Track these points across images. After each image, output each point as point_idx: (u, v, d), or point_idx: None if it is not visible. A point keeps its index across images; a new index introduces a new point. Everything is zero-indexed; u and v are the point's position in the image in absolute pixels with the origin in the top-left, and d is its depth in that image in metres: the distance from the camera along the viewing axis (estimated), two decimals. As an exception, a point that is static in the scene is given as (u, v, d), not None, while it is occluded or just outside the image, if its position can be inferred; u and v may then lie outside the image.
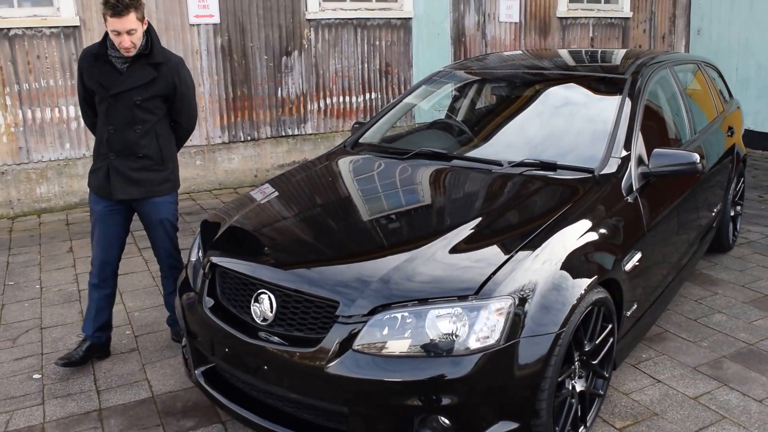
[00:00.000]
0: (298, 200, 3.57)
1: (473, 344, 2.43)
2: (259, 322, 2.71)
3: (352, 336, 2.48)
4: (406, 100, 4.61)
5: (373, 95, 8.28)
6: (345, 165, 3.90)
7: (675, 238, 3.84)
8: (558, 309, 2.62)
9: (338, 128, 8.15)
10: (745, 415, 3.18)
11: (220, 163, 7.37)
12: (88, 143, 6.65)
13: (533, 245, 2.75)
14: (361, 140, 4.23)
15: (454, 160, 3.69)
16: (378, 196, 3.45)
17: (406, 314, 2.48)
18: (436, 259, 2.69)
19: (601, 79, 4.16)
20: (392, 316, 2.49)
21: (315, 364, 2.50)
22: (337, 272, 2.69)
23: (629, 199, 3.33)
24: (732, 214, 5.29)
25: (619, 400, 3.32)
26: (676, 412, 3.22)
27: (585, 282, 2.77)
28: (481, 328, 2.45)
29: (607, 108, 3.76)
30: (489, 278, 2.55)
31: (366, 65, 8.13)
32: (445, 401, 2.42)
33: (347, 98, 8.11)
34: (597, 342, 2.93)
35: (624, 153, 3.43)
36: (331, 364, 2.47)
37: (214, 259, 2.99)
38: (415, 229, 3.06)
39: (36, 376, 3.60)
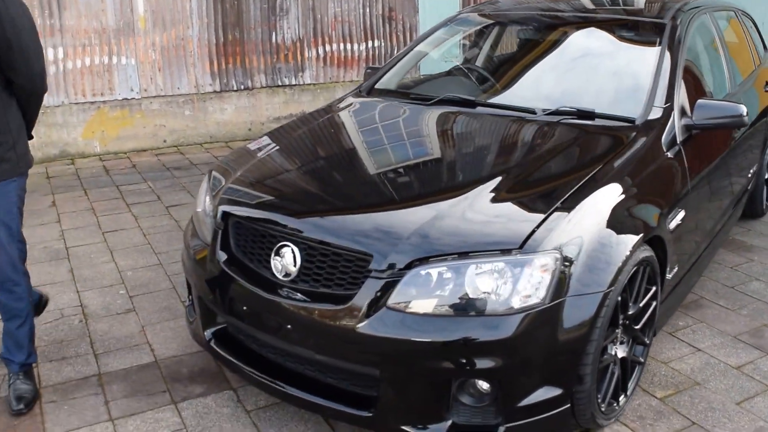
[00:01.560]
0: (319, 145, 3.46)
1: (517, 303, 2.37)
2: (280, 277, 2.62)
3: (387, 292, 2.41)
4: (421, 46, 4.46)
5: (376, 43, 8.09)
6: (367, 110, 3.78)
7: (714, 198, 3.78)
8: (605, 267, 2.56)
9: (339, 78, 7.98)
10: (792, 385, 3.18)
11: (212, 114, 7.20)
12: (66, 90, 6.46)
13: (577, 199, 2.67)
14: (377, 86, 4.11)
15: (481, 107, 3.59)
16: (405, 143, 3.34)
17: (444, 269, 2.41)
18: (474, 211, 2.61)
19: (637, 23, 4.05)
20: (430, 271, 2.41)
21: (345, 323, 2.43)
22: (370, 224, 2.59)
23: (673, 152, 3.25)
24: (766, 177, 5.25)
25: (658, 369, 3.29)
26: (718, 381, 3.21)
27: (632, 239, 2.71)
28: (525, 286, 2.38)
29: (647, 54, 3.65)
30: (533, 232, 2.47)
31: (368, 10, 7.92)
32: (486, 364, 2.36)
33: (348, 46, 7.91)
34: (640, 305, 2.89)
35: (666, 103, 3.35)
36: (363, 323, 2.40)
37: (228, 209, 2.88)
38: (448, 178, 2.97)
39: (26, 338, 3.52)
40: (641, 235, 2.75)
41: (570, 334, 2.45)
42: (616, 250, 2.62)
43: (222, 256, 2.82)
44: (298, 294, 2.56)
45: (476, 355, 2.36)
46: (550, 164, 2.98)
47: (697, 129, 3.38)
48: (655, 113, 3.31)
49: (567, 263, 2.47)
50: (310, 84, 7.75)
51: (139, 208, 5.38)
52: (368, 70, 4.47)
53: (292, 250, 2.60)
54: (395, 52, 8.21)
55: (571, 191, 2.70)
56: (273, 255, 2.64)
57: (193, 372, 3.24)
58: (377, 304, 2.41)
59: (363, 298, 2.42)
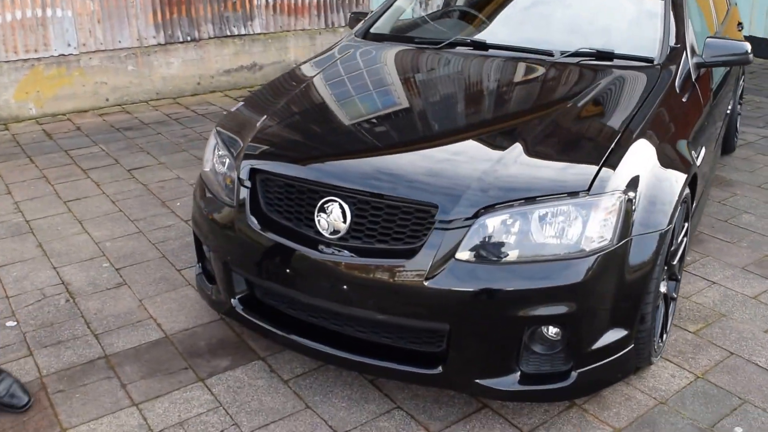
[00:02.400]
0: (343, 92, 3.18)
1: (587, 246, 2.26)
2: (327, 235, 2.41)
3: (454, 244, 2.24)
4: None
5: (327, -11, 7.71)
6: (379, 55, 3.52)
7: (713, 135, 3.80)
8: (662, 206, 2.49)
9: (290, 27, 7.57)
10: (811, 310, 3.25)
11: (157, 69, 6.68)
12: (5, 44, 5.82)
13: (629, 138, 2.56)
14: (373, 30, 3.85)
15: (494, 50, 3.41)
16: (436, 88, 3.10)
17: (512, 216, 2.26)
18: (534, 154, 2.45)
19: None
20: (497, 218, 2.25)
21: (412, 279, 2.25)
22: (430, 173, 2.39)
23: (689, 90, 3.20)
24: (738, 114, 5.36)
25: (682, 305, 3.29)
26: (741, 312, 3.24)
27: (681, 177, 2.65)
28: (594, 228, 2.27)
29: None
30: (597, 173, 2.36)
31: (316, -46, 7.51)
32: (559, 310, 2.25)
33: (297, -8, 7.50)
34: (678, 241, 2.86)
35: (677, 43, 3.29)
36: (432, 278, 2.23)
37: (257, 165, 2.61)
38: (495, 122, 2.77)
39: (10, 323, 3.14)
40: (687, 172, 2.70)
41: (635, 274, 2.37)
42: (670, 189, 2.55)
43: (253, 217, 2.57)
44: (350, 252, 2.36)
45: (549, 302, 2.24)
46: (593, 105, 2.84)
47: (707, 67, 3.35)
48: (672, 53, 3.25)
49: (630, 203, 2.37)
50: (260, 34, 7.32)
51: (98, 173, 4.94)
52: (353, 15, 4.21)
53: (340, 205, 2.38)
54: (345, -1, 7.87)
55: (623, 131, 2.59)
56: (317, 212, 2.42)
57: (211, 344, 2.99)
58: (446, 256, 2.24)
59: (429, 250, 2.24)
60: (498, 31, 3.74)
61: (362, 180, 2.39)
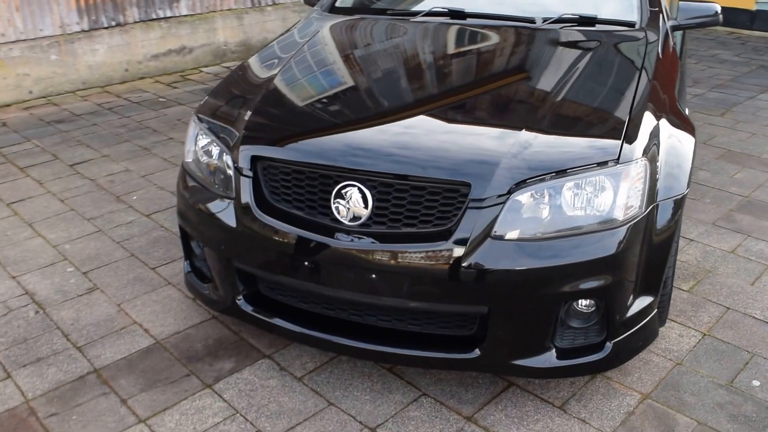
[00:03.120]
0: (336, 69, 2.92)
1: (620, 215, 2.17)
2: (346, 222, 2.21)
3: (489, 222, 2.10)
4: None
5: (252, -33, 7.31)
6: (358, 29, 3.30)
7: (686, 95, 3.82)
8: (681, 169, 2.43)
9: (217, 7, 7.14)
10: (786, 260, 3.33)
11: (82, 57, 6.14)
12: None
13: (642, 103, 2.48)
14: (338, 4, 3.61)
15: (473, 18, 3.24)
16: (439, 61, 2.90)
17: (545, 189, 2.14)
18: (557, 127, 2.33)
19: None
20: (531, 193, 2.13)
21: (449, 262, 2.09)
22: (453, 149, 2.22)
23: (670, 53, 3.17)
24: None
25: (669, 264, 3.31)
26: (725, 266, 3.28)
27: (692, 140, 2.60)
28: (625, 197, 2.18)
29: None
30: (623, 142, 2.26)
31: (241, -71, 7.09)
32: (596, 283, 2.15)
33: (223, -29, 7.07)
34: None
35: (654, 7, 3.24)
36: (469, 259, 2.09)
37: (259, 151, 2.36)
38: (508, 96, 2.61)
39: (-25, 342, 2.78)
40: (694, 135, 2.66)
41: (660, 239, 2.31)
42: (684, 153, 2.49)
43: (258, 208, 2.33)
44: (374, 239, 2.17)
45: (587, 275, 2.14)
46: (599, 71, 2.73)
47: (681, 29, 3.33)
48: (651, 15, 3.19)
49: (654, 170, 2.30)
50: (187, 15, 6.85)
51: (37, 170, 4.48)
52: None
53: (360, 189, 2.18)
54: (271, -25, 7.50)
55: (635, 96, 2.50)
56: (333, 198, 2.22)
57: (209, 346, 2.74)
58: (481, 235, 2.10)
59: (464, 231, 2.09)
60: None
61: (383, 161, 2.19)
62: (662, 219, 2.31)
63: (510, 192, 2.11)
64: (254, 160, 2.36)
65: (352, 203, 2.18)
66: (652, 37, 3.01)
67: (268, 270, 2.35)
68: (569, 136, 2.32)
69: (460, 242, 2.09)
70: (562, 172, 2.16)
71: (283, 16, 7.73)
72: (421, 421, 2.34)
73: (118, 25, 6.32)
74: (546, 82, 2.60)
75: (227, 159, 2.46)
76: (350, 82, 2.77)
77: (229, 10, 7.26)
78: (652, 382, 2.51)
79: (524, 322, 2.19)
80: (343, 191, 2.20)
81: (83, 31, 6.10)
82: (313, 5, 3.98)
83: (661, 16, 3.23)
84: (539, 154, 2.20)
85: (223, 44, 7.30)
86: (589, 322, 2.26)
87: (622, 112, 2.41)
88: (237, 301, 2.50)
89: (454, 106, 2.53)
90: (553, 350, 2.24)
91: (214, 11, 7.13)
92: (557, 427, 2.31)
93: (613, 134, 2.29)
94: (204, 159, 2.60)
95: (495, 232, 2.10)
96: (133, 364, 2.64)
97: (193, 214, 2.55)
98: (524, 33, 3.08)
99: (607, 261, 2.15)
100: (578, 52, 2.84)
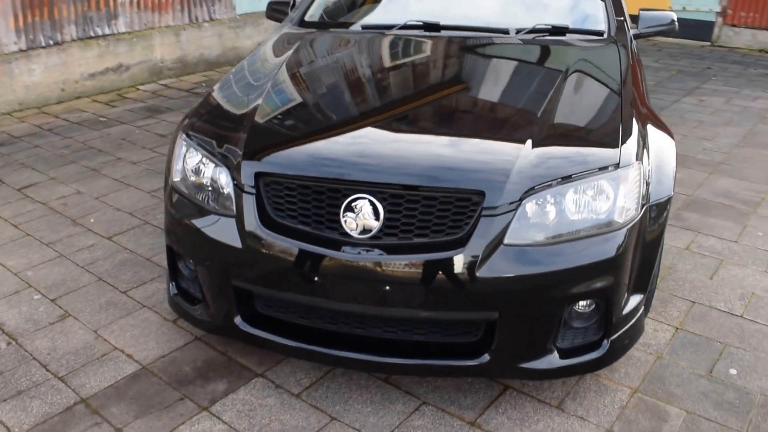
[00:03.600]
0: (329, 84, 2.90)
1: (620, 218, 2.25)
2: (356, 235, 2.18)
3: (502, 229, 2.14)
4: None
5: (190, -18, 7.16)
6: (337, 44, 3.30)
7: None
8: (667, 172, 2.55)
9: (155, 24, 6.94)
10: (735, 254, 3.53)
11: (19, 77, 5.82)
12: None
13: (628, 109, 2.59)
14: (307, 18, 3.58)
15: (447, 31, 3.27)
16: (432, 74, 2.93)
17: (552, 195, 2.19)
18: (557, 136, 2.41)
19: None
20: (539, 200, 2.18)
21: (464, 270, 2.11)
22: (463, 158, 2.24)
23: (636, 60, 3.31)
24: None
25: (632, 264, 3.45)
26: (683, 263, 3.44)
27: (672, 143, 2.73)
28: (624, 200, 2.26)
29: None
30: (620, 148, 2.35)
31: (178, -55, 6.94)
32: (599, 283, 2.22)
33: (161, -13, 6.90)
34: None
35: (619, 16, 3.40)
36: (483, 266, 2.11)
37: (263, 168, 2.31)
38: (507, 106, 2.67)
39: (-57, 379, 2.57)
40: (673, 138, 2.78)
41: (650, 239, 2.41)
42: (667, 156, 2.61)
43: (263, 225, 2.27)
44: (385, 250, 2.16)
45: (593, 276, 2.21)
46: (583, 78, 2.84)
47: (642, 37, 3.49)
48: (618, 25, 3.34)
49: (647, 174, 2.40)
50: (125, 33, 6.63)
51: (-19, 195, 4.22)
52: (273, 5, 3.91)
53: (371, 202, 2.17)
54: (209, -9, 7.37)
55: (621, 103, 2.61)
56: (342, 212, 2.19)
57: (198, 368, 2.64)
58: (493, 242, 2.13)
59: (480, 239, 2.12)
60: (432, 11, 3.59)
61: (394, 173, 2.19)
62: (653, 220, 2.41)
63: (521, 199, 2.16)
64: (257, 176, 2.31)
65: (363, 216, 2.16)
66: (621, 45, 3.14)
67: (273, 287, 2.30)
68: (571, 142, 2.40)
69: (475, 250, 2.11)
70: (567, 178, 2.22)
71: (220, 32, 7.60)
72: (426, 429, 2.34)
73: (56, 43, 6.05)
74: (541, 91, 2.68)
75: (223, 176, 2.40)
76: (346, 95, 2.76)
77: (167, 27, 7.08)
78: (639, 376, 2.60)
79: (531, 325, 2.24)
80: (353, 204, 2.18)
81: (21, 50, 5.80)
82: (275, 20, 3.94)
83: (625, 25, 3.39)
84: (546, 161, 2.26)
85: (160, 61, 7.10)
86: (589, 322, 2.33)
87: (615, 119, 2.50)
88: (234, 320, 2.42)
89: (456, 117, 2.57)
90: (555, 351, 2.29)
91: (152, 28, 6.94)
92: (558, 425, 2.36)
93: (610, 140, 2.37)
94: (193, 177, 2.53)
95: (507, 238, 2.14)
96: (121, 391, 2.51)
97: (186, 233, 2.47)
98: (508, 45, 3.15)
99: (610, 262, 2.22)
100: (563, 61, 2.92)
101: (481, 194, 2.15)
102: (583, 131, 2.48)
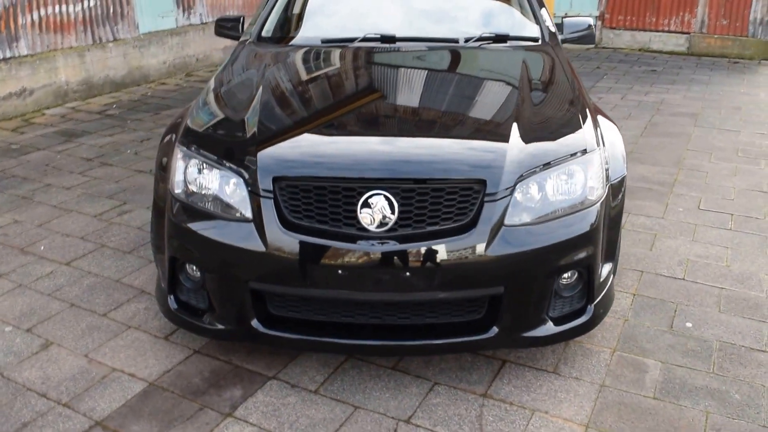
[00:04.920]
0: (320, 92, 3.06)
1: (592, 196, 2.54)
2: (373, 229, 2.33)
3: (501, 212, 2.36)
4: None
5: (92, 2, 6.93)
6: (305, 57, 3.45)
7: None
8: (619, 154, 2.89)
9: (58, 46, 6.66)
10: (665, 229, 3.97)
11: None
12: None
13: (580, 102, 2.91)
14: (263, 34, 3.66)
15: (402, 42, 3.47)
16: (412, 79, 3.13)
17: (537, 180, 2.45)
18: (533, 128, 2.65)
19: None
20: (528, 184, 2.43)
21: (473, 252, 2.32)
22: (462, 151, 2.48)
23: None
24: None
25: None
26: (623, 240, 3.78)
27: (616, 128, 3.08)
28: (593, 180, 2.56)
29: None
30: (584, 136, 2.65)
31: (77, -36, 6.71)
32: (582, 254, 2.50)
33: (64, 8, 6.63)
34: None
35: (547, 23, 3.75)
36: (491, 247, 2.33)
37: (280, 172, 2.40)
38: (488, 103, 2.90)
39: (-66, 421, 2.43)
40: (617, 126, 3.14)
41: (614, 213, 2.73)
42: (616, 140, 2.96)
43: (283, 227, 2.36)
44: (402, 241, 2.32)
45: (576, 248, 2.48)
46: (540, 78, 3.13)
47: (567, 42, 3.86)
48: (549, 32, 3.69)
49: (605, 157, 2.72)
50: (27, 56, 6.33)
51: None
52: (222, 22, 3.96)
53: (386, 197, 2.32)
54: (112, 10, 7.16)
55: (573, 96, 2.93)
56: (359, 208, 2.33)
57: (207, 379, 2.66)
58: (496, 225, 2.35)
59: (485, 223, 2.34)
60: (377, 23, 3.77)
61: (404, 168, 2.37)
62: (614, 197, 2.73)
63: (515, 184, 2.39)
64: (274, 181, 2.40)
65: (379, 210, 2.31)
66: (558, 48, 3.48)
67: (298, 285, 2.39)
68: (545, 134, 2.66)
69: (483, 232, 2.33)
70: (546, 165, 2.48)
71: (124, 52, 7.41)
72: (445, 405, 2.51)
73: (-47, 68, 5.68)
74: (511, 90, 2.94)
75: (233, 183, 2.46)
76: (343, 102, 2.91)
77: (70, 48, 6.82)
78: (614, 338, 2.91)
79: (530, 297, 2.47)
80: (369, 201, 2.32)
81: None
82: (225, 36, 3.99)
83: (555, 32, 3.74)
84: (529, 151, 2.51)
85: (65, 84, 6.83)
86: (575, 291, 2.60)
87: (575, 111, 2.81)
88: (251, 323, 2.48)
89: (447, 117, 2.78)
90: (549, 320, 2.54)
91: (55, 50, 6.67)
92: (558, 387, 2.61)
93: (576, 129, 2.67)
94: (196, 187, 2.57)
95: (506, 220, 2.36)
96: (136, 409, 2.49)
97: (197, 242, 2.50)
98: (473, 53, 3.42)
99: (588, 235, 2.50)
100: (517, 64, 3.21)
101: (483, 183, 2.37)
102: (553, 123, 2.77)
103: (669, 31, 9.16)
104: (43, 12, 6.43)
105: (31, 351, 2.84)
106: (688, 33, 9.07)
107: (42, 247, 3.76)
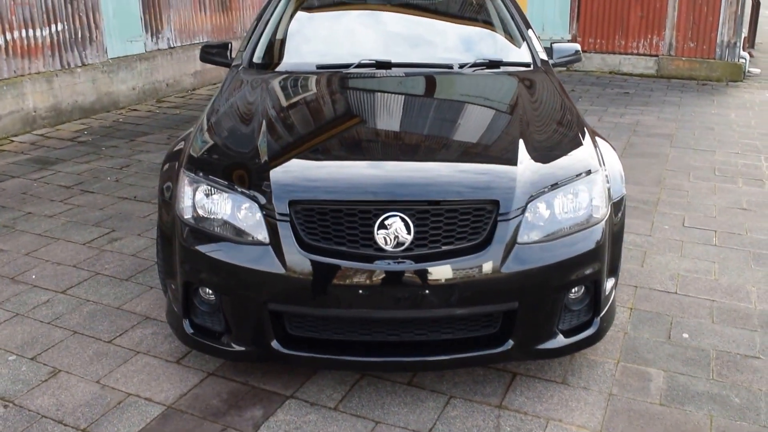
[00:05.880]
0: (329, 112, 3.30)
1: (597, 214, 2.78)
2: (390, 249, 2.51)
3: (514, 231, 2.57)
4: (275, 15, 4.21)
5: (60, 26, 7.03)
6: (307, 82, 3.64)
7: None
8: (618, 174, 3.13)
9: (25, 71, 6.74)
10: (654, 246, 4.25)
11: None
12: None
13: (580, 124, 3.17)
14: (255, 60, 3.85)
15: (397, 68, 3.69)
16: (418, 103, 3.38)
17: (546, 200, 2.67)
18: (538, 149, 2.88)
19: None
20: (537, 204, 2.64)
21: (490, 269, 2.52)
22: (475, 174, 2.69)
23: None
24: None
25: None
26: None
27: (611, 149, 3.33)
28: (598, 199, 2.79)
29: (500, 11, 4.24)
30: (588, 157, 2.90)
31: (47, -12, 6.82)
32: (590, 269, 2.73)
33: (31, 32, 6.72)
34: None
35: (538, 49, 4.03)
36: (505, 264, 2.53)
37: (298, 196, 2.57)
38: (496, 126, 3.14)
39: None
40: (614, 147, 3.40)
41: (616, 230, 2.96)
42: (614, 161, 3.20)
43: (302, 249, 2.53)
44: (418, 260, 2.51)
45: (585, 264, 2.70)
46: (539, 101, 3.38)
47: (557, 66, 4.15)
48: (539, 57, 3.96)
49: (607, 178, 2.96)
50: (-5, 81, 6.39)
51: None
52: (207, 48, 4.14)
53: (402, 218, 2.51)
54: (80, 35, 7.27)
55: (571, 118, 3.20)
56: (377, 229, 2.51)
57: (226, 400, 2.78)
58: (509, 243, 2.56)
59: (500, 241, 2.54)
60: (378, 50, 3.99)
61: (418, 190, 2.57)
62: (616, 215, 2.98)
63: (527, 204, 2.62)
64: (289, 204, 2.57)
65: (396, 231, 2.49)
66: (550, 73, 3.76)
67: (318, 305, 2.55)
68: (552, 155, 2.90)
69: (497, 250, 2.53)
70: (555, 185, 2.72)
71: (93, 77, 7.51)
72: (463, 417, 2.69)
73: None
74: (514, 113, 3.18)
75: (246, 208, 2.63)
76: (352, 126, 3.11)
77: (38, 73, 6.90)
78: (616, 349, 3.14)
79: (542, 311, 2.68)
80: (386, 222, 2.51)
81: None
82: (211, 62, 4.16)
83: (546, 57, 4.02)
84: (538, 172, 2.74)
85: (33, 110, 6.89)
86: (582, 304, 2.82)
87: (577, 132, 3.07)
88: (271, 344, 2.63)
89: (457, 140, 3.01)
90: (560, 333, 2.76)
91: (23, 75, 6.74)
92: (569, 396, 2.82)
93: (580, 150, 2.93)
94: (205, 212, 2.72)
95: (519, 239, 2.58)
96: (158, 431, 2.61)
97: (213, 267, 2.64)
98: (473, 79, 3.65)
99: (595, 251, 2.73)
100: (508, 86, 3.48)
101: (496, 203, 2.59)
102: (557, 145, 3.02)
103: (638, 54, 9.67)
104: (9, 36, 6.51)
105: (39, 379, 2.93)
106: (656, 56, 9.59)
107: (33, 276, 3.84)
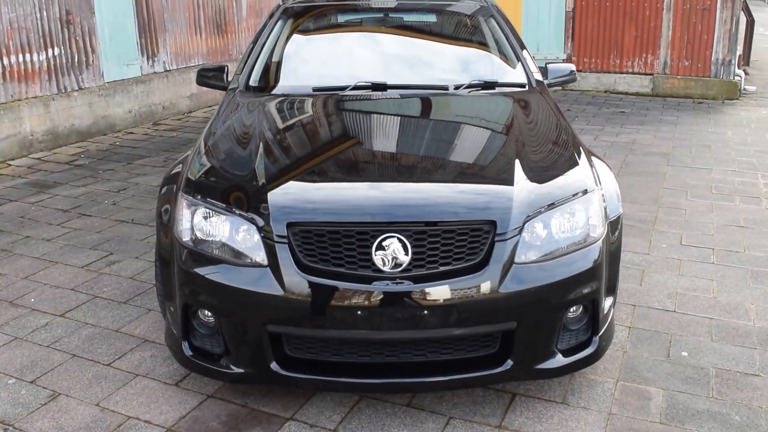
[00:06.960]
0: (325, 134, 3.37)
1: (594, 233, 2.83)
2: (388, 270, 2.56)
3: (511, 251, 2.62)
4: (270, 38, 4.29)
5: (56, 51, 7.12)
6: (303, 105, 3.72)
7: None
8: (614, 194, 3.19)
9: (22, 95, 6.81)
10: (651, 264, 4.30)
11: None
12: None
13: (576, 144, 3.24)
14: (251, 83, 3.92)
15: (393, 89, 3.75)
16: (414, 125, 3.46)
17: (543, 219, 2.72)
18: (534, 169, 2.94)
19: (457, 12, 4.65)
20: (534, 224, 2.69)
21: (487, 290, 2.56)
22: (472, 195, 2.74)
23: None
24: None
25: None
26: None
27: (608, 168, 3.38)
28: (594, 219, 2.84)
29: (495, 32, 4.32)
30: (584, 176, 2.96)
31: (44, 13, 6.91)
32: (588, 288, 2.77)
33: (28, 56, 6.80)
34: None
35: (531, 70, 4.11)
36: (503, 284, 2.57)
37: (296, 218, 2.61)
38: (492, 147, 3.20)
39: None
40: (610, 167, 3.46)
41: (613, 249, 3.01)
42: (610, 180, 3.26)
43: (301, 271, 2.57)
44: (416, 281, 2.55)
45: (583, 283, 2.74)
46: (534, 122, 3.45)
47: (552, 86, 4.22)
48: (534, 78, 4.03)
49: (603, 197, 3.02)
50: (-7, 106, 6.46)
51: None
52: (204, 72, 4.20)
53: (399, 239, 2.56)
54: (76, 59, 7.36)
55: (567, 138, 3.26)
56: (374, 250, 2.56)
57: (225, 423, 2.81)
58: (507, 263, 2.60)
59: (497, 262, 2.58)
60: (373, 72, 4.06)
61: (415, 212, 2.62)
62: (613, 234, 3.03)
63: (524, 224, 2.67)
64: (287, 226, 2.61)
65: (394, 252, 2.54)
66: (545, 93, 3.83)
67: (317, 327, 2.59)
68: (548, 175, 2.95)
69: (495, 270, 2.58)
70: (551, 205, 2.77)
71: (90, 101, 7.59)
72: (463, 438, 2.72)
73: None
74: (509, 134, 3.24)
75: (244, 230, 2.67)
76: (349, 148, 3.16)
77: (35, 97, 6.98)
78: (615, 368, 3.18)
79: (541, 331, 2.72)
80: (384, 243, 2.56)
81: None
82: (207, 85, 4.22)
83: (541, 77, 4.10)
84: (535, 192, 2.79)
85: (30, 134, 6.96)
86: (581, 324, 2.86)
87: (573, 151, 3.12)
88: (270, 366, 2.66)
89: (454, 161, 3.07)
90: (558, 353, 2.79)
91: (20, 99, 6.82)
92: (569, 416, 2.85)
93: (576, 170, 2.98)
94: (203, 234, 2.76)
95: (517, 258, 2.62)
96: (158, 454, 2.63)
97: (212, 289, 2.68)
98: (469, 99, 3.72)
99: (593, 270, 2.78)
100: (503, 106, 3.54)
101: (493, 224, 2.64)
102: (553, 165, 3.08)
103: (633, 73, 9.79)
104: (6, 61, 6.59)
105: (39, 402, 2.95)
106: (651, 74, 9.71)
107: (32, 299, 3.87)
